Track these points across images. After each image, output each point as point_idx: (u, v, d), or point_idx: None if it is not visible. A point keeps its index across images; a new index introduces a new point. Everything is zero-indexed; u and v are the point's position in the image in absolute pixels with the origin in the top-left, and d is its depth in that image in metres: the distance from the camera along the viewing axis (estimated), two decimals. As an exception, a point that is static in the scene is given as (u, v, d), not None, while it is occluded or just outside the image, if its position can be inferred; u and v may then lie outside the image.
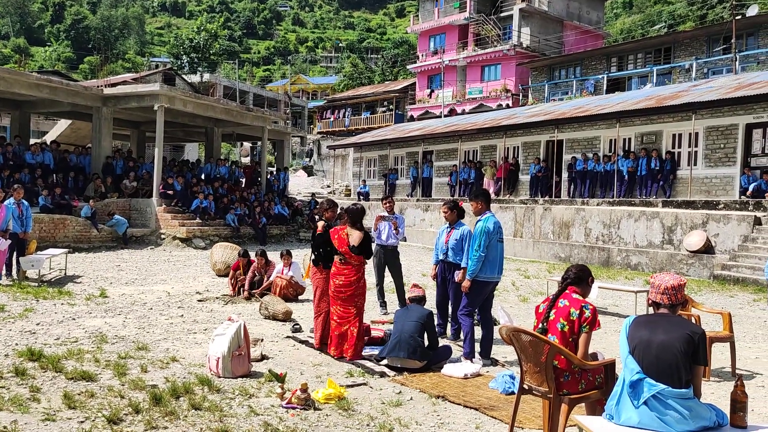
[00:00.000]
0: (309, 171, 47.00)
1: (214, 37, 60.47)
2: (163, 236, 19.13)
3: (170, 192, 20.44)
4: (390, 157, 29.59)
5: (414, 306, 6.62)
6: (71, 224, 17.51)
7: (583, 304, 4.20)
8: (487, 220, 6.42)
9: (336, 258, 6.77)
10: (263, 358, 6.45)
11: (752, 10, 29.72)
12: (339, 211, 7.55)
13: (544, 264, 16.99)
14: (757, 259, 13.26)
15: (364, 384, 5.74)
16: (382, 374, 6.06)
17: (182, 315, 8.75)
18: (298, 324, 8.10)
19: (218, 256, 13.35)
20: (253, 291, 10.21)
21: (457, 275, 7.10)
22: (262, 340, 6.82)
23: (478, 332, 6.73)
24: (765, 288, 11.73)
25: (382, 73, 65.82)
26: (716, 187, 18.02)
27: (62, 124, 28.27)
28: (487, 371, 6.24)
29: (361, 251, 6.70)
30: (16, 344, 6.67)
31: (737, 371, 6.42)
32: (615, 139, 20.20)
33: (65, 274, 12.32)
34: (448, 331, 7.59)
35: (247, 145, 47.15)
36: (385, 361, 6.34)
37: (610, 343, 7.17)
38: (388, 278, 9.41)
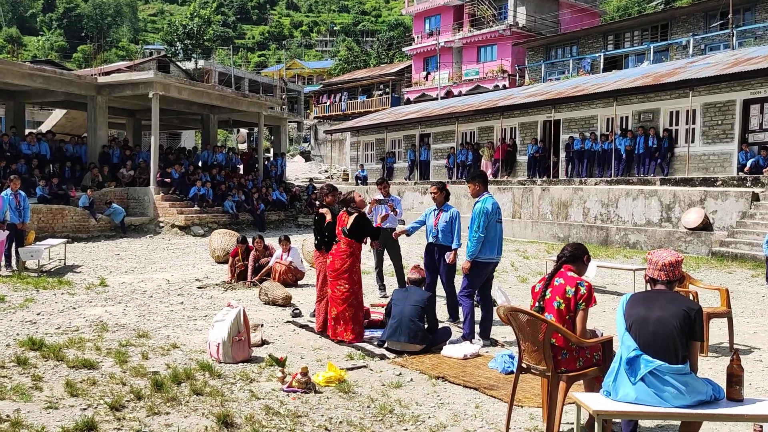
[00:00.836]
0: (306, 156, 46.83)
1: (207, 22, 60.08)
2: (161, 224, 19.13)
3: (167, 180, 20.41)
4: (387, 141, 29.50)
5: (414, 288, 6.62)
6: (69, 214, 17.50)
7: (578, 282, 4.21)
8: (485, 201, 6.42)
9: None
10: (263, 343, 6.49)
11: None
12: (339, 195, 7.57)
13: (543, 244, 17.02)
14: (755, 235, 13.28)
15: (364, 366, 5.78)
16: (382, 356, 6.10)
17: (182, 302, 8.78)
18: (297, 309, 8.14)
19: (217, 243, 13.38)
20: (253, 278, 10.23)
21: (448, 256, 7.10)
22: (262, 325, 6.85)
23: (477, 313, 6.76)
24: (763, 264, 11.76)
25: (378, 56, 65.47)
26: (714, 164, 17.99)
27: (57, 114, 28.14)
28: (487, 351, 6.27)
29: (351, 234, 6.73)
30: (18, 334, 6.70)
31: (735, 346, 6.44)
32: (612, 118, 20.13)
33: (65, 263, 12.34)
34: (445, 314, 7.61)
35: (243, 131, 46.94)
36: (385, 344, 6.37)
37: (609, 321, 7.19)
38: (388, 261, 9.44)
